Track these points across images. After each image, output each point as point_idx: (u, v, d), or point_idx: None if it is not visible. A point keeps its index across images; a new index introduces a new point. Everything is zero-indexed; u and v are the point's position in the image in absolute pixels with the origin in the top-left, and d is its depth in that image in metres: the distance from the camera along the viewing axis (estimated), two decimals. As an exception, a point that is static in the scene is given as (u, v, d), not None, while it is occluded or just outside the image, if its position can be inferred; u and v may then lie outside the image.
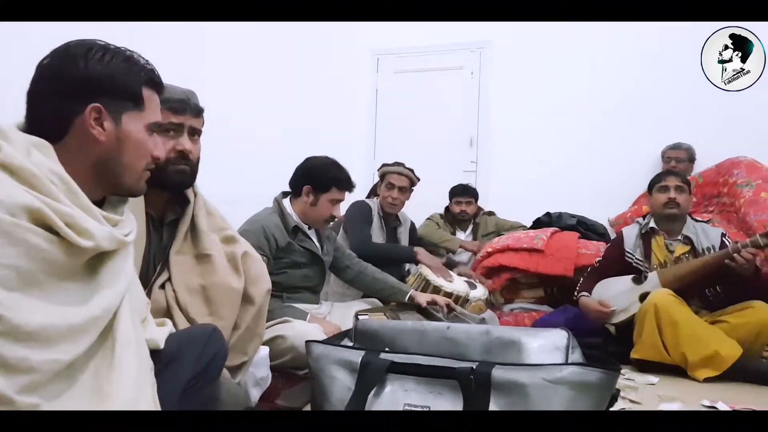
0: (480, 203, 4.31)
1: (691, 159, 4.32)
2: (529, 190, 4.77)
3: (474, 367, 1.46)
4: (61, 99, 1.02)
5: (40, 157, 0.94)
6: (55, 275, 0.91)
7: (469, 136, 5.21)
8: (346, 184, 2.56)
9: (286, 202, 2.53)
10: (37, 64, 1.04)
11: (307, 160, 2.58)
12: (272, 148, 4.04)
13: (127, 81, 1.06)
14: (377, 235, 3.49)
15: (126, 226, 1.07)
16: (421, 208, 4.23)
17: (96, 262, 0.99)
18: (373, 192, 3.98)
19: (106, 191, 1.09)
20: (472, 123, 5.22)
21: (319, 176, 2.50)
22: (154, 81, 1.12)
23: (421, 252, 3.39)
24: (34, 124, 1.01)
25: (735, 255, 2.66)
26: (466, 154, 5.20)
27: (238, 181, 3.58)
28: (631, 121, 4.67)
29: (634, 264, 3.02)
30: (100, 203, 1.04)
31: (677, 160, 4.29)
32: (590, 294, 3.06)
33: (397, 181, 3.48)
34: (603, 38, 4.73)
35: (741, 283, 2.75)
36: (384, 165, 3.63)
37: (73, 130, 1.02)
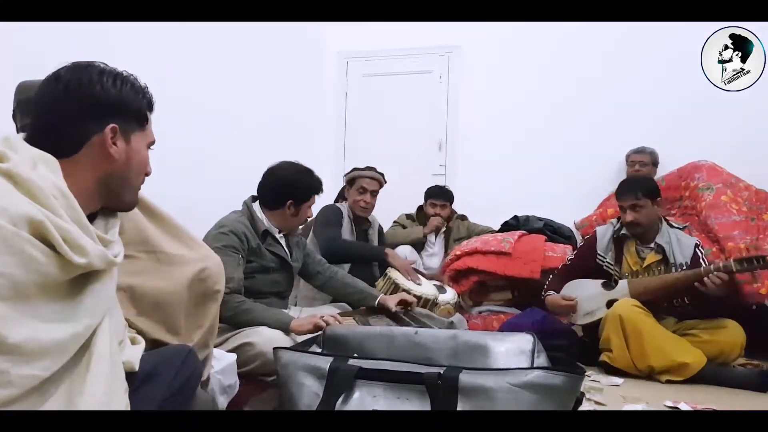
0: (450, 206, 4.32)
1: (655, 163, 4.40)
2: (497, 193, 4.81)
3: (441, 372, 1.47)
4: (79, 118, 1.06)
5: (46, 171, 0.96)
6: (44, 290, 0.91)
7: (438, 140, 5.23)
8: (321, 187, 2.60)
9: (256, 206, 2.52)
10: (44, 80, 1.08)
11: (282, 173, 2.53)
12: (240, 151, 4.02)
13: (135, 104, 1.14)
14: (348, 239, 3.48)
15: (116, 247, 1.09)
16: (390, 211, 4.24)
17: (82, 280, 1.00)
18: (341, 196, 3.98)
19: (103, 204, 1.13)
20: (441, 127, 5.24)
21: (300, 190, 2.51)
22: (151, 104, 1.19)
23: (390, 252, 3.40)
24: (44, 139, 1.03)
25: (705, 278, 2.65)
26: (435, 157, 5.22)
27: (203, 183, 3.55)
28: (596, 124, 4.74)
29: (604, 267, 3.04)
30: (90, 220, 1.04)
31: (641, 164, 4.36)
32: (557, 293, 3.11)
33: (369, 185, 3.50)
34: (571, 42, 4.79)
35: (708, 298, 2.76)
36: (355, 169, 3.63)
37: (88, 147, 1.07)
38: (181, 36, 3.43)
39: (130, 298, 1.44)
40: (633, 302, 2.77)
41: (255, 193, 2.59)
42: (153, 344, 1.43)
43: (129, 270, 1.46)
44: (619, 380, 2.66)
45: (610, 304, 2.87)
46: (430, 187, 4.28)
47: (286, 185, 2.49)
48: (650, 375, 2.71)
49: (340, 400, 1.53)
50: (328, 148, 5.48)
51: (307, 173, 2.55)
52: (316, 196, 2.59)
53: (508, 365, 1.53)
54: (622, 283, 2.93)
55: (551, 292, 3.13)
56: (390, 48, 5.33)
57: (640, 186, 3.01)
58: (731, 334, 2.76)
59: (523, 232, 4.00)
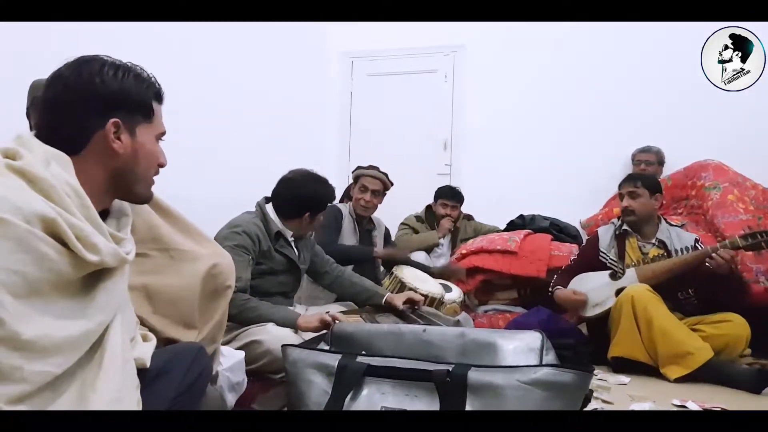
0: (455, 205, 4.31)
1: (661, 162, 4.40)
2: (503, 192, 4.81)
3: (450, 370, 1.47)
4: (81, 114, 1.05)
5: (58, 169, 0.96)
6: (58, 287, 0.92)
7: (443, 139, 5.23)
8: (334, 196, 2.68)
9: (269, 208, 2.54)
10: (48, 78, 1.07)
11: (301, 187, 2.54)
12: (245, 151, 4.02)
13: (139, 96, 1.11)
14: (351, 239, 3.49)
15: (128, 245, 1.09)
16: (395, 210, 4.23)
17: (95, 277, 1.00)
18: (346, 195, 3.98)
19: (117, 198, 1.13)
20: (446, 126, 5.25)
21: (319, 202, 2.55)
22: (158, 94, 1.17)
23: (378, 251, 3.50)
24: (50, 137, 1.02)
25: (713, 255, 2.70)
26: (441, 156, 5.23)
27: (208, 182, 3.56)
28: (602, 123, 4.74)
29: (608, 264, 3.06)
30: (102, 218, 1.05)
31: (647, 163, 4.36)
32: (565, 288, 3.11)
33: (371, 184, 3.50)
34: (577, 41, 4.79)
35: (714, 287, 2.79)
36: (359, 167, 3.64)
37: (92, 143, 1.06)
38: (186, 36, 3.43)
39: (145, 297, 1.45)
40: (645, 286, 2.78)
41: (262, 194, 2.61)
42: (167, 342, 1.44)
43: (143, 269, 1.47)
44: (626, 379, 2.66)
45: (619, 293, 2.87)
46: (441, 188, 4.27)
47: (305, 198, 2.51)
48: (658, 370, 2.70)
49: (349, 397, 1.53)
50: (333, 148, 5.49)
51: (324, 184, 2.59)
52: (329, 204, 2.65)
53: (517, 363, 1.52)
54: (630, 272, 2.95)
55: (559, 287, 3.13)
56: (395, 47, 5.34)
57: (641, 177, 3.13)
58: (736, 327, 2.75)
59: (529, 231, 4.00)
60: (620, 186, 3.14)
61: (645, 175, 3.31)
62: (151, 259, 1.52)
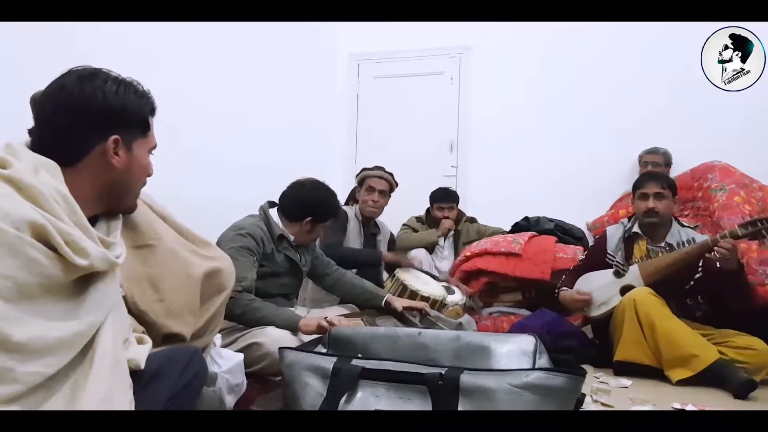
0: (460, 207, 4.33)
1: (668, 163, 4.37)
2: (508, 194, 4.81)
3: (443, 373, 1.49)
4: (82, 128, 1.08)
5: (47, 176, 0.99)
6: (49, 290, 0.95)
7: (450, 141, 5.24)
8: (338, 212, 2.76)
9: (273, 212, 2.59)
10: (46, 89, 1.09)
11: (308, 190, 2.61)
12: (252, 153, 4.05)
13: (139, 112, 1.15)
14: (355, 241, 3.50)
15: (117, 249, 1.12)
16: (402, 212, 4.25)
17: (85, 280, 1.03)
18: (351, 198, 4.00)
19: (104, 209, 1.15)
20: (453, 128, 5.25)
21: (322, 211, 2.60)
22: (154, 109, 1.20)
23: (387, 255, 3.50)
24: (48, 147, 1.05)
25: (715, 247, 2.65)
26: (447, 158, 5.23)
27: (214, 184, 3.58)
28: (609, 125, 4.72)
29: (614, 266, 3.04)
30: (92, 223, 1.07)
31: (654, 165, 4.33)
32: (571, 289, 3.11)
33: (377, 184, 3.51)
34: (581, 42, 4.78)
35: (719, 282, 2.75)
36: (364, 169, 3.65)
37: (90, 156, 1.09)
38: (192, 36, 3.43)
39: (150, 285, 1.48)
40: (648, 290, 2.76)
41: (269, 196, 2.66)
42: (167, 337, 1.46)
43: (146, 259, 1.50)
44: (627, 382, 2.64)
45: (623, 291, 2.86)
46: (434, 191, 4.28)
47: (309, 202, 2.56)
48: (661, 372, 2.67)
49: (343, 399, 1.55)
50: (340, 150, 5.50)
51: (331, 196, 2.64)
52: (332, 219, 2.72)
53: (510, 366, 1.54)
54: (633, 268, 2.92)
55: (565, 288, 3.12)
56: (401, 49, 5.35)
57: (665, 178, 3.08)
58: (759, 356, 2.63)
59: (534, 233, 3.99)
60: (642, 185, 3.03)
61: (665, 175, 3.24)
62: (154, 249, 1.55)
